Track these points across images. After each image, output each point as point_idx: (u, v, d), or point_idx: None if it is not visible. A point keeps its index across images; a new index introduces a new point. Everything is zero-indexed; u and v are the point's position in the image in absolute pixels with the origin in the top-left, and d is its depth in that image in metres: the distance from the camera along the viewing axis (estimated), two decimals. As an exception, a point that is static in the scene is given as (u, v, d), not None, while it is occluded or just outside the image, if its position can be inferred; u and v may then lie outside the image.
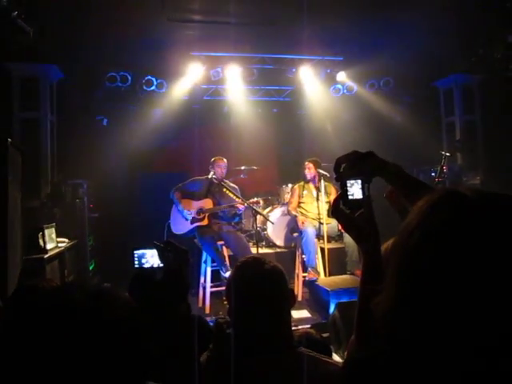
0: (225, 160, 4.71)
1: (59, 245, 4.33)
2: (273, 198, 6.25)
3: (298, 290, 4.71)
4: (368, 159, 0.98)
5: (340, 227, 4.76)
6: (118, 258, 5.04)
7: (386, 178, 1.00)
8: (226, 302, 3.65)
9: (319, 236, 4.70)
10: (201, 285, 4.49)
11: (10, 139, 3.12)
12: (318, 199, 4.88)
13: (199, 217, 4.51)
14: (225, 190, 4.47)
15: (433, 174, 5.42)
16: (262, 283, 1.26)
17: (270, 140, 7.21)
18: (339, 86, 6.76)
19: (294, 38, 5.57)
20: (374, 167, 0.98)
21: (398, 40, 5.19)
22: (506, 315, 0.52)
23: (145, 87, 6.07)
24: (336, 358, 2.40)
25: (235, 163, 6.03)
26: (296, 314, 4.13)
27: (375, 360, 0.69)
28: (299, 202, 5.04)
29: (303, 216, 4.89)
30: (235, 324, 1.27)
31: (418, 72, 6.13)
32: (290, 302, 1.33)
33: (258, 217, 4.91)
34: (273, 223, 5.33)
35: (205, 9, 4.99)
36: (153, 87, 6.11)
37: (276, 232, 5.58)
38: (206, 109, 6.90)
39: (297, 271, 4.82)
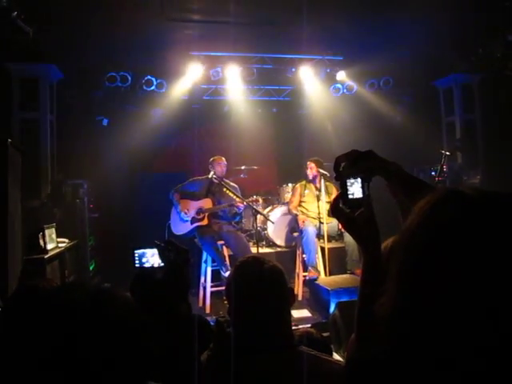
0: (224, 159, 4.72)
1: (59, 245, 4.33)
2: (273, 198, 6.26)
3: (299, 289, 4.71)
4: (368, 158, 0.97)
5: (340, 226, 4.76)
6: (118, 258, 5.05)
7: (386, 177, 0.99)
8: (226, 302, 3.65)
9: (319, 235, 4.70)
10: (201, 284, 4.49)
11: (9, 139, 3.12)
12: (319, 199, 4.87)
13: (199, 217, 4.51)
14: (225, 189, 4.47)
15: (433, 174, 5.42)
16: (262, 282, 1.26)
17: (269, 140, 7.22)
18: (339, 86, 6.76)
19: (294, 37, 5.56)
20: (373, 166, 0.98)
21: (398, 39, 5.19)
22: (509, 316, 0.52)
23: (145, 87, 6.07)
24: (336, 357, 2.40)
25: (235, 163, 6.03)
26: (296, 313, 4.13)
27: (376, 360, 0.69)
28: (300, 201, 5.04)
29: (304, 215, 4.89)
30: (235, 323, 1.27)
31: (418, 71, 6.13)
32: (290, 300, 1.33)
33: (259, 216, 4.91)
34: (273, 223, 5.33)
35: (204, 8, 4.99)
36: (153, 87, 6.11)
37: (276, 232, 5.58)
38: (205, 108, 6.91)
39: (297, 271, 4.82)
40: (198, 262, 4.53)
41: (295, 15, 4.80)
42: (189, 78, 6.22)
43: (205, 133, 6.89)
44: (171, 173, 6.12)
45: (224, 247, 4.51)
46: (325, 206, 4.72)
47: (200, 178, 4.72)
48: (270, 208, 5.87)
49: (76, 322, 0.74)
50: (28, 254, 3.69)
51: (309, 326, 3.44)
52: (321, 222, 4.76)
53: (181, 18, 5.12)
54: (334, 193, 4.82)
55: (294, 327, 1.48)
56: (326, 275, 4.60)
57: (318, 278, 4.46)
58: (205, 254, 4.44)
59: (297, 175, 5.92)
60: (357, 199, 0.95)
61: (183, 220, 4.51)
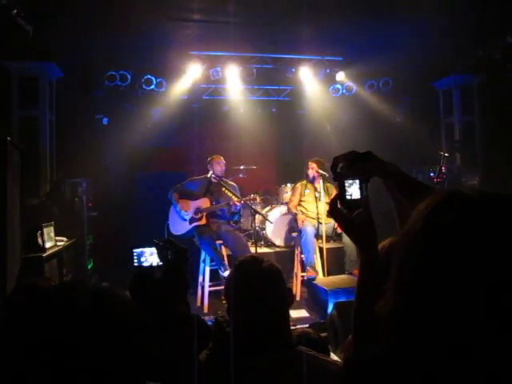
0: (222, 158, 4.72)
1: (58, 243, 4.32)
2: (271, 198, 6.25)
3: (297, 289, 4.72)
4: (366, 159, 0.97)
5: (336, 227, 4.78)
6: (116, 257, 5.04)
7: (384, 177, 0.99)
8: (224, 302, 3.65)
9: (318, 236, 4.71)
10: (199, 284, 4.49)
11: (9, 137, 3.12)
12: (319, 199, 4.88)
13: (197, 216, 4.51)
14: (224, 189, 4.47)
15: (431, 175, 5.43)
16: (260, 282, 1.27)
17: (269, 139, 7.22)
18: (338, 86, 6.77)
19: (294, 37, 5.56)
20: (372, 167, 0.97)
21: (398, 40, 5.19)
22: (509, 316, 0.52)
23: (144, 86, 6.07)
24: (334, 357, 2.41)
25: (234, 162, 6.04)
26: (294, 313, 4.13)
27: (373, 360, 0.69)
28: (300, 201, 5.05)
29: (303, 215, 4.90)
30: (234, 323, 1.27)
31: (417, 72, 6.13)
32: (288, 300, 1.33)
33: (257, 216, 4.91)
34: (272, 223, 5.34)
35: (204, 8, 4.99)
36: (152, 86, 6.11)
37: (275, 231, 5.58)
38: (205, 108, 6.91)
39: (295, 270, 4.83)
40: (196, 261, 4.52)
41: (295, 15, 4.81)
42: (188, 78, 6.22)
43: (204, 132, 6.89)
44: (170, 172, 6.12)
45: (222, 247, 4.51)
46: (324, 207, 4.73)
47: (199, 177, 4.72)
48: (268, 208, 5.87)
49: (75, 320, 0.74)
50: (26, 252, 3.68)
51: (307, 326, 3.44)
52: (319, 223, 4.77)
53: (181, 17, 5.12)
54: (334, 194, 4.82)
55: (291, 327, 1.48)
56: (324, 275, 4.61)
57: (316, 277, 4.47)
58: (203, 254, 4.44)
59: (296, 175, 5.92)
60: (355, 200, 0.95)
61: (183, 219, 4.50)
